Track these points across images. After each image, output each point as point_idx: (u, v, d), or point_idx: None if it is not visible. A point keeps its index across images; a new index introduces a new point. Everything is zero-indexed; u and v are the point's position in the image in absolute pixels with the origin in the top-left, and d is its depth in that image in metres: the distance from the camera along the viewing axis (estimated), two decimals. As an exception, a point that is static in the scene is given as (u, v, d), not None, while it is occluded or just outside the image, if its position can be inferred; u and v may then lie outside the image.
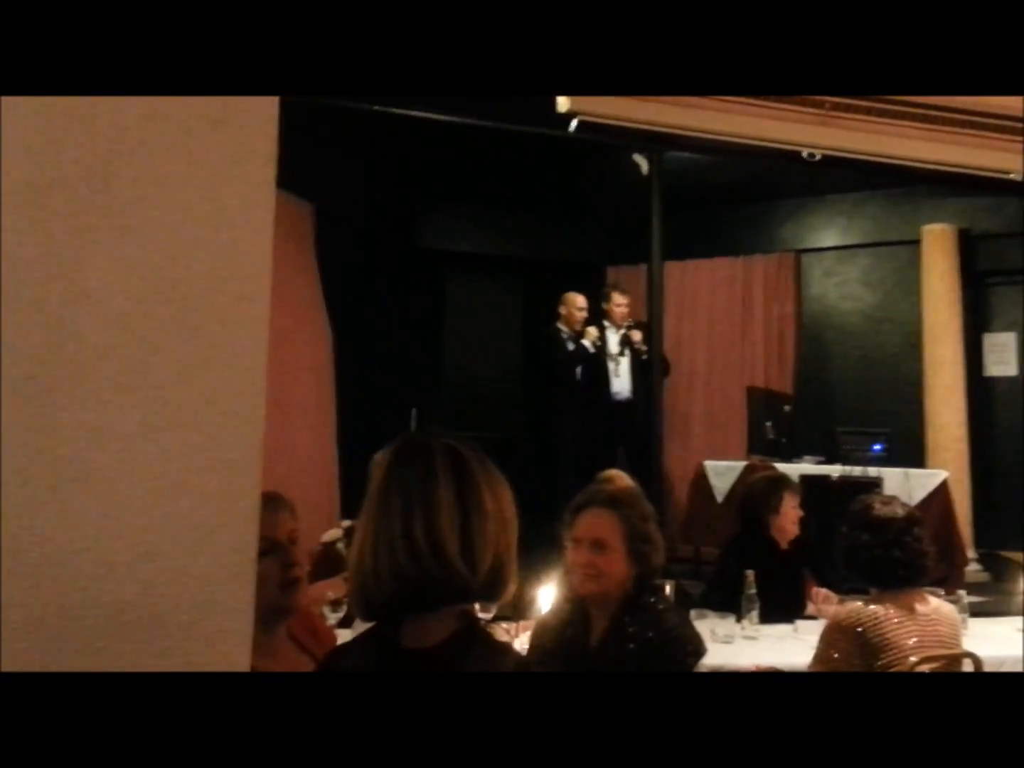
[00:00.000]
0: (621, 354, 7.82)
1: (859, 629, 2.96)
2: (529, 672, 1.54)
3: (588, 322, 7.86)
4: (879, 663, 2.92)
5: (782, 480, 4.60)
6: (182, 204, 1.34)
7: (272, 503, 2.21)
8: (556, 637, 2.71)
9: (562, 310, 7.89)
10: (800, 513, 4.46)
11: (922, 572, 3.14)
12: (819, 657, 3.03)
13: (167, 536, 1.29)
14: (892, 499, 3.27)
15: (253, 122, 1.41)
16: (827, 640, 3.03)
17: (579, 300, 7.92)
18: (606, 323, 7.94)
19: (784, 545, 4.43)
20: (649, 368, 7.45)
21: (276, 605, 2.14)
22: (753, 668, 3.13)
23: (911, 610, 3.06)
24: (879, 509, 3.15)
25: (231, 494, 1.33)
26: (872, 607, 3.03)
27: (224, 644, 1.31)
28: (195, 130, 1.36)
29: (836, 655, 2.97)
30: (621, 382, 7.86)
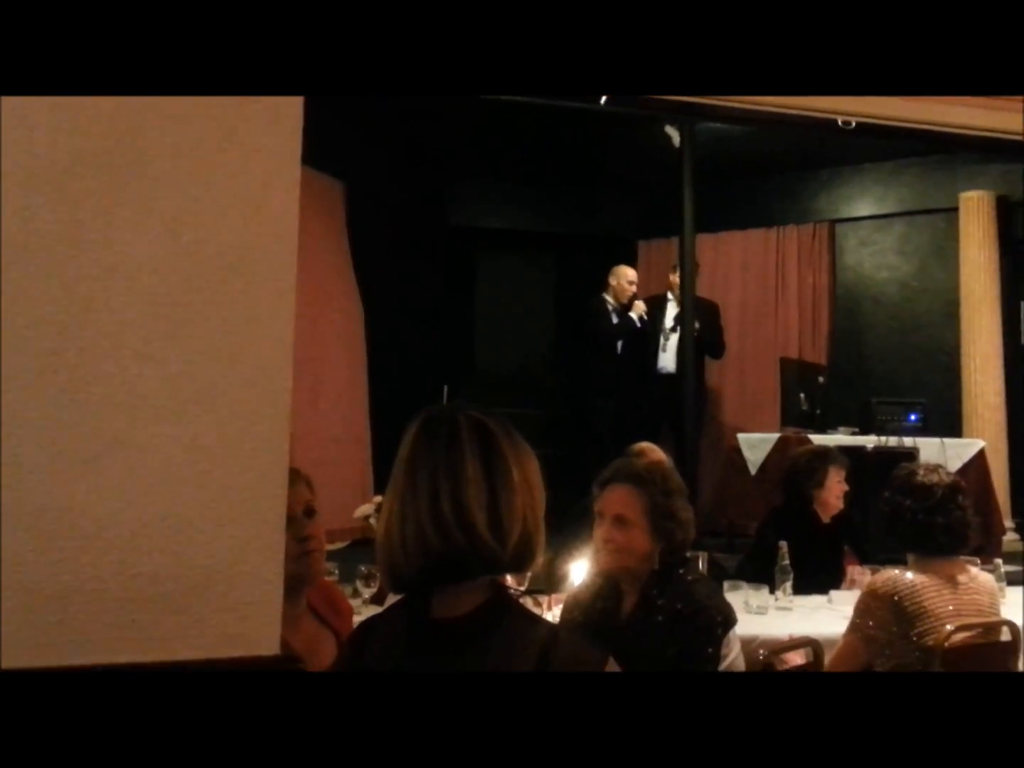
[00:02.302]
0: (673, 330, 7.67)
1: (895, 597, 2.94)
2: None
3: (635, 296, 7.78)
4: (915, 631, 2.90)
5: (827, 454, 4.56)
6: (208, 178, 1.35)
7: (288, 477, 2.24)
8: (587, 611, 2.72)
9: (611, 281, 7.80)
10: (845, 488, 4.42)
11: (963, 541, 3.11)
12: (854, 626, 3.01)
13: (196, 508, 1.30)
14: (937, 467, 3.26)
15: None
16: (862, 609, 3.01)
17: (630, 273, 7.85)
18: (669, 295, 7.84)
19: (826, 519, 4.40)
20: (701, 348, 7.38)
21: (292, 577, 2.17)
22: (787, 638, 3.13)
23: (949, 579, 3.04)
24: (923, 475, 3.15)
25: (259, 466, 1.35)
26: (909, 575, 3.01)
27: (254, 615, 1.32)
28: (221, 103, 1.36)
29: (871, 623, 2.95)
30: (667, 357, 7.77)
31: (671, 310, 7.79)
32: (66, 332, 1.25)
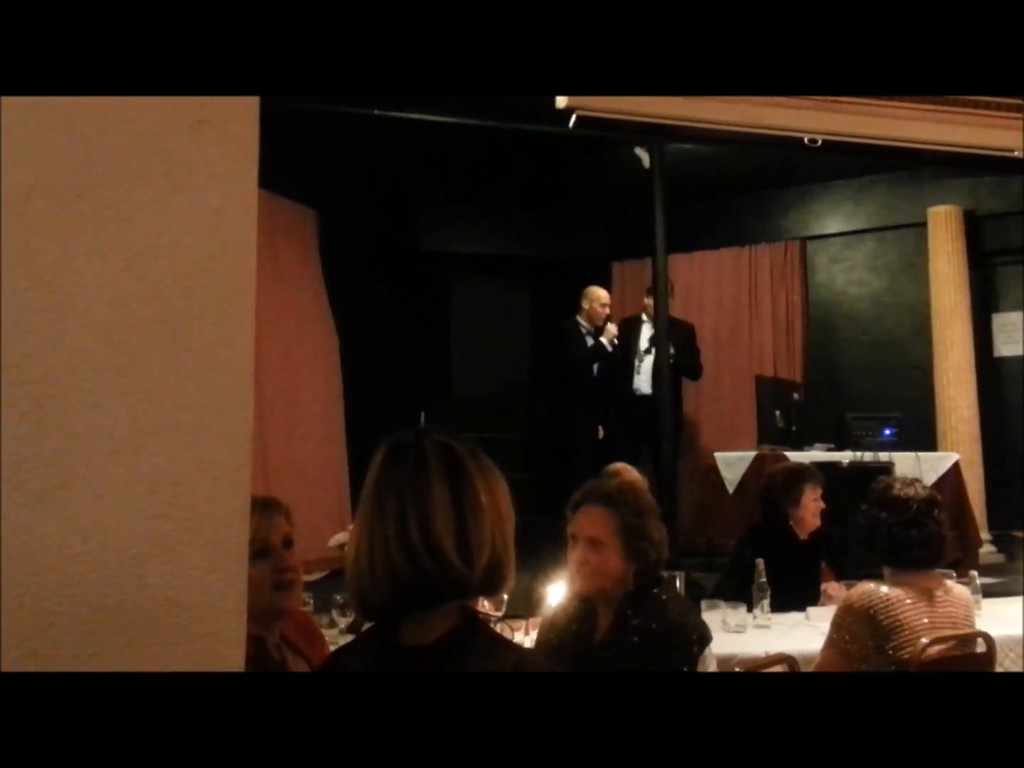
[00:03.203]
0: (648, 351, 7.63)
1: (871, 611, 2.95)
2: (526, 673, 1.52)
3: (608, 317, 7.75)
4: (891, 645, 2.90)
5: (803, 472, 4.57)
6: (164, 207, 1.34)
7: (269, 507, 2.24)
8: (562, 633, 2.70)
9: (584, 304, 7.73)
10: (821, 505, 4.43)
11: (938, 554, 3.13)
12: (831, 641, 3.01)
13: (157, 539, 1.28)
14: (913, 481, 3.29)
15: (234, 121, 1.41)
16: (838, 624, 3.01)
17: (602, 295, 7.77)
18: (644, 317, 7.81)
19: (803, 537, 4.41)
20: (677, 370, 7.36)
21: (269, 607, 2.17)
22: (763, 655, 3.12)
23: (924, 592, 3.05)
24: (899, 489, 3.17)
25: (220, 495, 1.33)
26: (884, 588, 3.02)
27: (218, 645, 1.31)
28: (175, 131, 1.36)
29: (848, 638, 2.95)
30: (642, 379, 7.73)
31: (646, 332, 7.75)
32: (23, 364, 1.24)
